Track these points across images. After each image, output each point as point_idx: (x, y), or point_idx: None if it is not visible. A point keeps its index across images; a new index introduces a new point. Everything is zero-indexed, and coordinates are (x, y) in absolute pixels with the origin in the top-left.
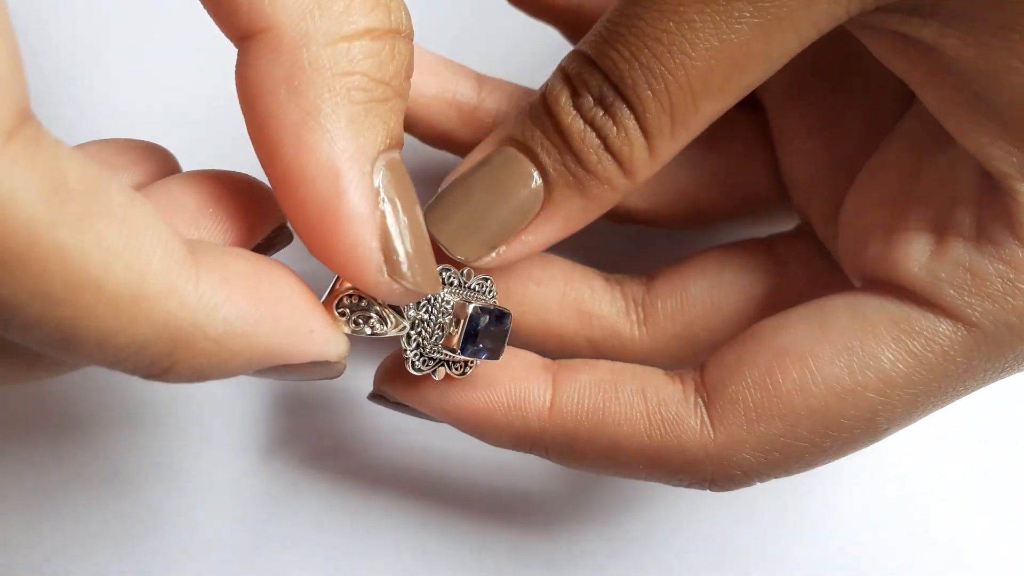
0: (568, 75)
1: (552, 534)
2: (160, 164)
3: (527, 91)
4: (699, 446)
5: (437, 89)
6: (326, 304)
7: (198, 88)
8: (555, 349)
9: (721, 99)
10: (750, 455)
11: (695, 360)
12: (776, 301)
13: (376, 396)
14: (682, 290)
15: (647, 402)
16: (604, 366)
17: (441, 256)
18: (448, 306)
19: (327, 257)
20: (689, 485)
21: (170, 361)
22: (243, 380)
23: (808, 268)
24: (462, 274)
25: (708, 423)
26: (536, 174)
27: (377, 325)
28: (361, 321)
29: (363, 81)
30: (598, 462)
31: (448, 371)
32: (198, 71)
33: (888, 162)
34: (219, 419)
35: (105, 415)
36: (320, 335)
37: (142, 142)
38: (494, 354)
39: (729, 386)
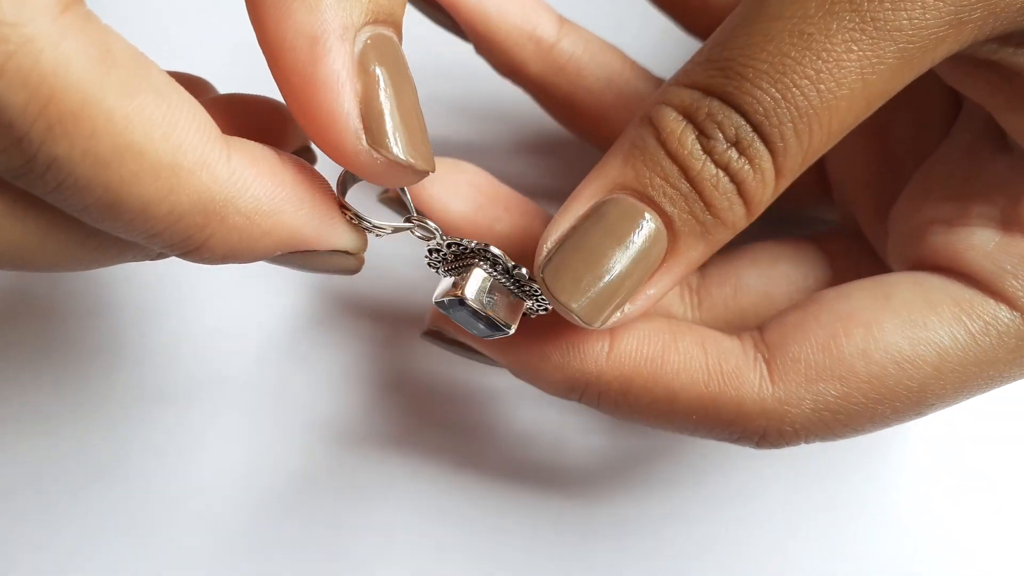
0: (690, 112)
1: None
2: (199, 92)
3: (605, 43)
4: (756, 400)
5: (519, 20)
6: (338, 197)
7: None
8: None
9: (840, 137)
10: (805, 413)
11: None
12: None
13: (431, 334)
14: (736, 279)
15: (707, 354)
16: (661, 319)
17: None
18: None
19: (309, 126)
20: (737, 440)
21: (205, 235)
22: (250, 374)
23: (858, 264)
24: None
25: (767, 378)
26: (659, 223)
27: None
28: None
29: None
30: (649, 410)
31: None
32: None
33: (944, 166)
34: (223, 419)
35: (110, 414)
36: (340, 223)
37: (178, 73)
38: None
39: (791, 345)
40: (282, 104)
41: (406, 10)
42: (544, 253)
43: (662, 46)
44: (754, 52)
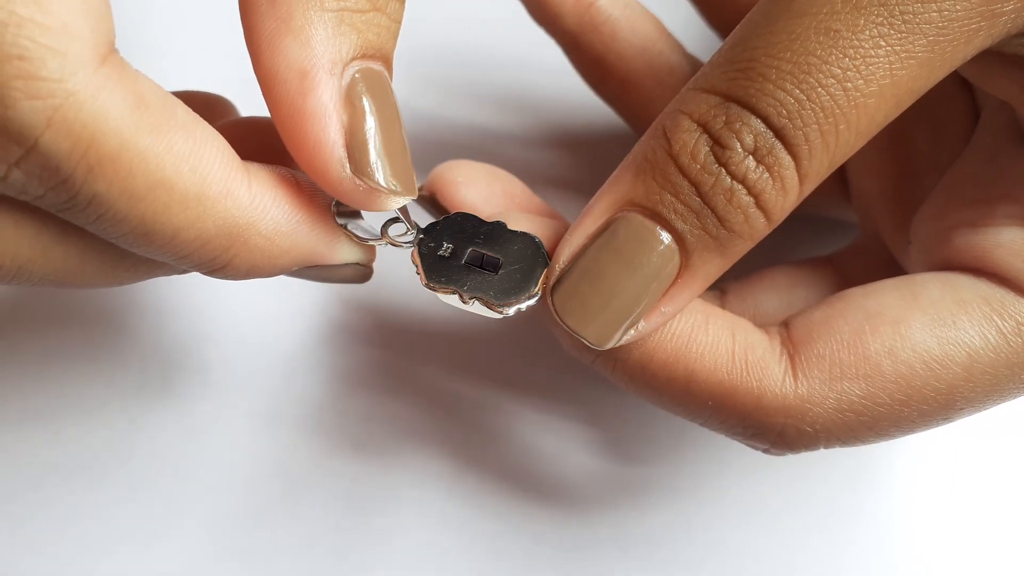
0: (705, 122)
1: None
2: (220, 111)
3: (645, 11)
4: (778, 395)
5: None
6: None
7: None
8: None
9: (869, 137)
10: (828, 413)
11: None
12: None
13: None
14: (754, 306)
15: (735, 341)
16: (696, 301)
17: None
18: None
19: (298, 155)
20: (752, 436)
21: (229, 255)
22: (253, 377)
23: None
24: None
25: (791, 374)
26: (671, 241)
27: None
28: (357, 228)
29: None
30: (665, 388)
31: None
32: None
33: (969, 169)
34: (230, 418)
35: (111, 417)
36: (349, 239)
37: (203, 93)
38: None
39: (817, 342)
40: None
41: None
42: (555, 274)
43: (694, 25)
44: (777, 51)
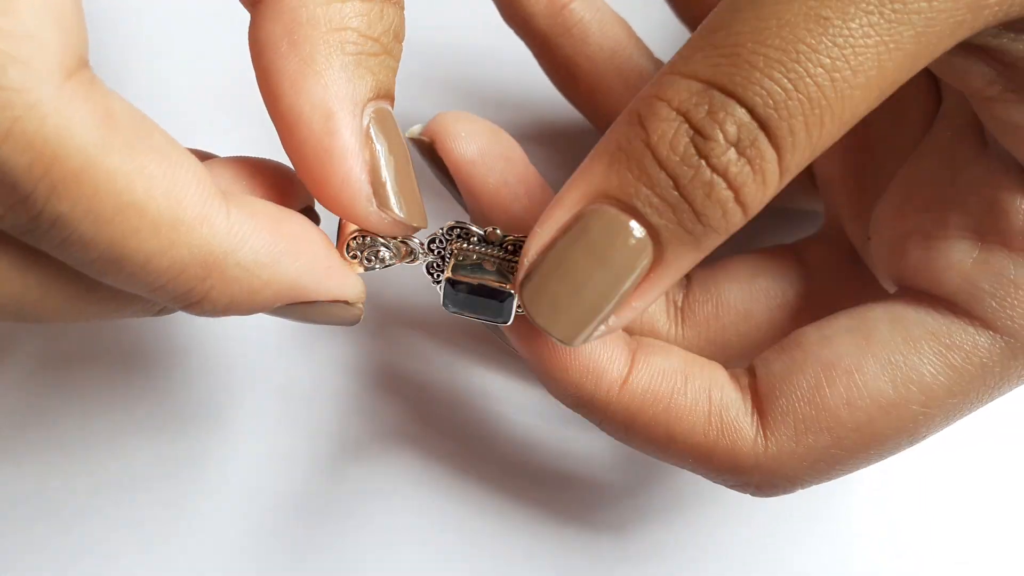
0: (686, 110)
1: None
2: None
3: (615, 15)
4: (751, 455)
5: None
6: (338, 248)
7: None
8: None
9: (848, 128)
10: (798, 464)
11: (726, 363)
12: (807, 307)
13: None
14: (716, 296)
15: (711, 402)
16: (678, 354)
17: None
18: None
19: (322, 192)
20: (732, 487)
21: (206, 287)
22: (253, 380)
23: (837, 273)
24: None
25: (761, 433)
26: (644, 235)
27: (387, 256)
28: (372, 257)
29: (354, 36)
30: (648, 444)
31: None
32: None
33: (923, 169)
34: (227, 424)
35: (121, 418)
36: (338, 273)
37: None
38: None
39: (780, 399)
40: (284, 166)
41: None
42: (524, 267)
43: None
44: (765, 38)
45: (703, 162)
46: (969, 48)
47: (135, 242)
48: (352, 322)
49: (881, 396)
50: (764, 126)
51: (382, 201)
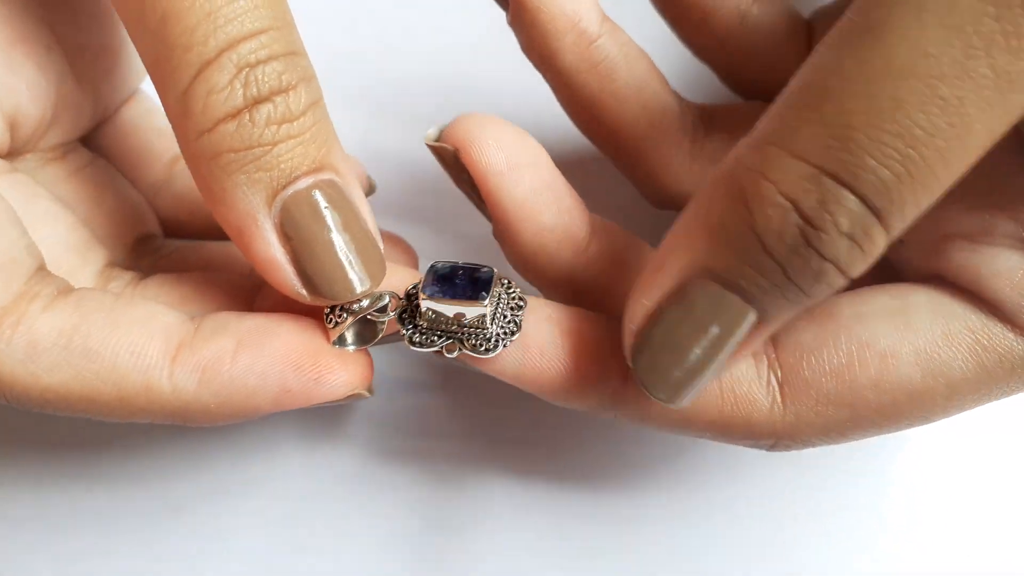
0: (796, 198)
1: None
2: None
3: (639, 49)
4: (767, 422)
5: (568, 5)
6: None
7: None
8: None
9: None
10: (814, 432)
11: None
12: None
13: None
14: None
15: (721, 382)
16: None
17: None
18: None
19: (271, 284)
20: (749, 447)
21: (183, 422)
22: None
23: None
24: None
25: (779, 402)
26: (751, 310)
27: (359, 309)
28: (346, 314)
29: (230, 156)
30: (666, 428)
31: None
32: None
33: (969, 172)
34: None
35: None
36: (329, 381)
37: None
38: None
39: (805, 370)
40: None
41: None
42: (631, 337)
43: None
44: (880, 121)
45: (813, 253)
46: None
47: (105, 414)
48: (366, 396)
49: (909, 383)
50: (877, 214)
51: (311, 289)
